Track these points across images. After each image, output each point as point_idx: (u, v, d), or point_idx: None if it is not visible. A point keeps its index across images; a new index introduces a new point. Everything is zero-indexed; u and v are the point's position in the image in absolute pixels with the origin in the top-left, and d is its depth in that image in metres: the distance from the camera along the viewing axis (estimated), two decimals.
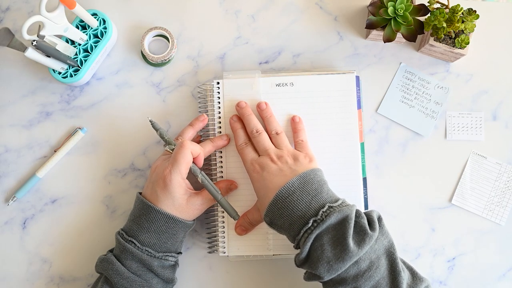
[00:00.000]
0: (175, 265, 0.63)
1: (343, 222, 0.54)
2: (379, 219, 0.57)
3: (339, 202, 0.56)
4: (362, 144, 0.68)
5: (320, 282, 0.56)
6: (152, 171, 0.63)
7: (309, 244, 0.54)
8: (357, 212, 0.56)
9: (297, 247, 0.57)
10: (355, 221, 0.54)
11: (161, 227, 0.60)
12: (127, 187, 0.71)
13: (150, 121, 0.63)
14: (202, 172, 0.63)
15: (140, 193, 0.63)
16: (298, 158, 0.61)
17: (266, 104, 0.67)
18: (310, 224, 0.54)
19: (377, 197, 0.70)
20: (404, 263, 0.58)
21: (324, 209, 0.55)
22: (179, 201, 0.60)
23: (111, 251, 0.63)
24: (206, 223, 0.69)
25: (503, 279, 0.69)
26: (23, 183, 0.70)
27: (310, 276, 0.56)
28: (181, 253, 0.64)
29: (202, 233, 0.70)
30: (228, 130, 0.68)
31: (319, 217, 0.54)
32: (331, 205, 0.55)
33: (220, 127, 0.68)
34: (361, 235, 0.54)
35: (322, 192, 0.57)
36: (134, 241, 0.60)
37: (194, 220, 0.64)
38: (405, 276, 0.55)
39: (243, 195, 0.67)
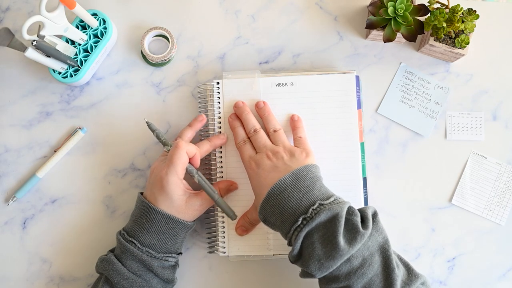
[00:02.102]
0: (175, 266, 0.63)
1: (333, 220, 0.53)
2: (374, 215, 0.56)
3: (331, 199, 0.56)
4: (362, 144, 0.68)
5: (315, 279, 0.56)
6: (151, 172, 0.63)
7: (299, 241, 0.54)
8: (350, 209, 0.55)
9: (289, 244, 0.57)
10: (346, 218, 0.54)
11: (161, 228, 0.60)
12: (127, 187, 0.71)
13: (147, 122, 0.63)
14: (199, 172, 0.63)
15: (142, 193, 0.63)
16: (294, 153, 0.61)
17: (264, 103, 0.67)
18: (299, 222, 0.54)
19: (377, 197, 0.70)
20: (400, 259, 0.57)
21: (314, 207, 0.54)
22: (178, 202, 0.60)
23: (111, 251, 0.63)
24: (206, 223, 0.69)
25: (503, 279, 0.69)
26: (23, 183, 0.70)
27: (304, 273, 0.56)
28: (181, 253, 0.64)
29: (202, 233, 0.69)
30: (228, 130, 0.68)
31: (308, 214, 0.54)
32: (322, 202, 0.55)
33: (220, 127, 0.68)
34: (352, 233, 0.53)
35: (314, 189, 0.57)
36: (135, 242, 0.60)
37: (194, 220, 0.64)
38: (399, 273, 0.54)
39: (243, 195, 0.67)
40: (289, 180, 0.57)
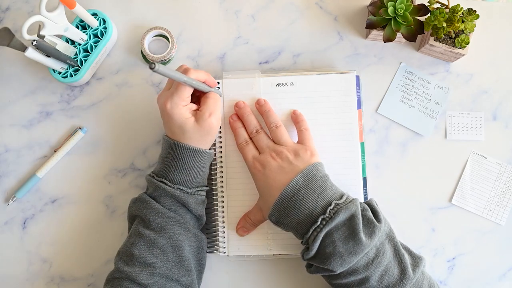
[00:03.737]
0: (205, 201, 0.64)
1: (352, 218, 0.55)
2: (376, 205, 0.59)
3: (344, 198, 0.57)
4: (362, 144, 0.68)
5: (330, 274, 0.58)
6: (157, 102, 0.61)
7: (319, 241, 0.55)
8: (361, 205, 0.57)
9: (305, 243, 0.58)
10: (362, 214, 0.56)
11: (189, 163, 0.60)
12: (127, 187, 0.71)
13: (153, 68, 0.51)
14: (188, 77, 0.58)
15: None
16: (298, 153, 0.61)
17: (264, 100, 0.67)
18: (319, 223, 0.56)
19: (377, 197, 0.69)
20: (400, 244, 0.60)
21: (331, 207, 0.56)
22: (190, 125, 0.59)
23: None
24: (206, 223, 0.69)
25: (503, 279, 0.69)
26: (23, 183, 0.70)
27: (318, 270, 0.58)
28: (207, 186, 0.65)
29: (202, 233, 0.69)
30: (228, 129, 0.68)
31: (327, 215, 0.56)
32: (337, 202, 0.57)
33: (220, 127, 0.68)
34: (370, 228, 0.55)
35: (326, 189, 0.58)
36: (165, 181, 0.60)
37: (212, 149, 0.64)
38: (407, 257, 0.58)
39: (243, 195, 0.67)
40: (301, 181, 0.58)
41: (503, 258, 0.70)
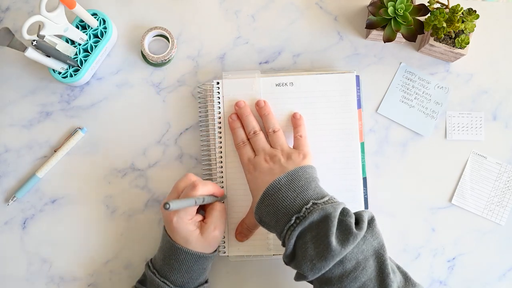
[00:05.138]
0: None
1: (326, 219, 0.52)
2: (371, 220, 0.55)
3: (325, 199, 0.55)
4: (362, 144, 0.68)
5: (307, 281, 0.56)
6: (164, 219, 0.62)
7: (292, 241, 0.53)
8: (345, 210, 0.54)
9: (283, 244, 0.56)
10: (340, 219, 0.53)
11: (192, 267, 0.60)
12: (127, 187, 0.71)
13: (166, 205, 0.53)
14: (196, 198, 0.60)
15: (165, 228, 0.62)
16: (291, 156, 0.61)
17: (264, 102, 0.67)
18: (292, 221, 0.54)
19: (377, 197, 0.70)
20: (398, 267, 0.56)
21: (308, 206, 0.54)
22: (194, 238, 0.59)
23: (140, 282, 0.63)
24: None
25: (503, 279, 0.69)
26: (23, 183, 0.70)
27: (298, 276, 0.55)
28: (208, 282, 0.65)
29: None
30: (227, 130, 0.68)
31: (302, 213, 0.54)
32: (316, 202, 0.54)
33: (220, 127, 0.68)
34: (345, 234, 0.52)
35: (308, 189, 0.56)
36: (167, 283, 0.60)
37: (217, 249, 0.64)
38: (395, 279, 0.53)
39: (243, 195, 0.67)
40: (284, 181, 0.57)
41: (503, 258, 0.70)
